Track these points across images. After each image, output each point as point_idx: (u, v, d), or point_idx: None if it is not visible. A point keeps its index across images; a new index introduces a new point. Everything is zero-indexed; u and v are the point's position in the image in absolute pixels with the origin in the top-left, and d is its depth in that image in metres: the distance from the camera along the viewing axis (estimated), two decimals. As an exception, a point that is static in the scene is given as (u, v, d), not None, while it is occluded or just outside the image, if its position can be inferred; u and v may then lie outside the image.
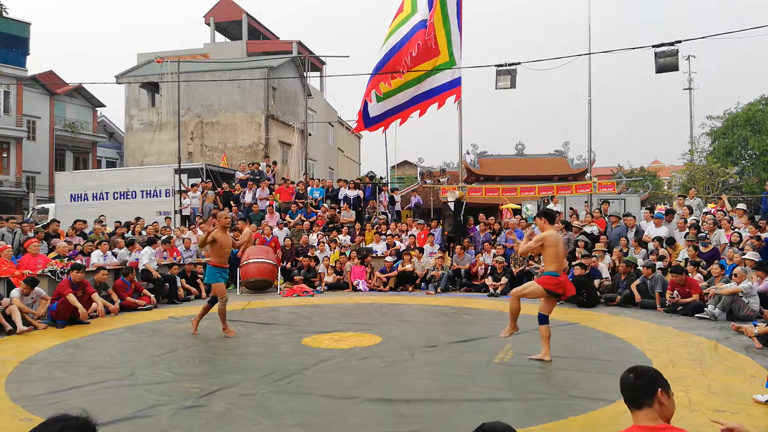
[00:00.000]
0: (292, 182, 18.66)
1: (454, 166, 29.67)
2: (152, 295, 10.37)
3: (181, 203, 16.35)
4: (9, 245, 10.25)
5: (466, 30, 15.71)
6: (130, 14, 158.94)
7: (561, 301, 10.22)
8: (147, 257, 11.02)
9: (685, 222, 11.78)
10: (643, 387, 2.15)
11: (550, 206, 15.68)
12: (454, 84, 14.87)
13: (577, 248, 11.56)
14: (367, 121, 15.20)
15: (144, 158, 27.15)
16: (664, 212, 13.17)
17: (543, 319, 5.95)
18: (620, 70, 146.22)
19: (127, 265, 10.64)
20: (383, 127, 15.65)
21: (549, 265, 5.90)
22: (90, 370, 5.73)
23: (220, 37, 34.60)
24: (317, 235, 14.43)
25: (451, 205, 13.80)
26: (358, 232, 14.85)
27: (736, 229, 10.83)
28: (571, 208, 15.35)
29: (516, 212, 18.11)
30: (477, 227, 14.03)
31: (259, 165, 19.10)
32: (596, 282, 10.19)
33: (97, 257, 10.72)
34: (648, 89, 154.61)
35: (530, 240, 6.10)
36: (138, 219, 14.27)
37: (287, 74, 28.81)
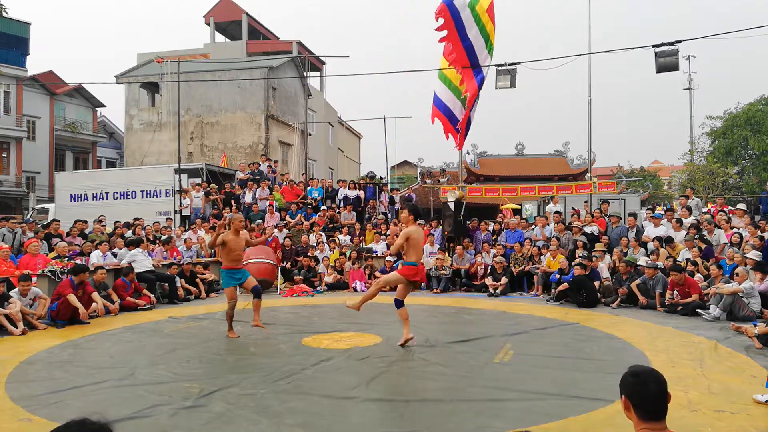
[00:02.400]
0: (294, 182, 18.65)
1: (454, 166, 29.69)
2: (152, 295, 10.37)
3: (181, 203, 16.34)
4: (8, 245, 10.26)
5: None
6: (130, 14, 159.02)
7: (553, 300, 10.37)
8: (129, 258, 10.89)
9: (680, 223, 11.77)
10: (665, 396, 2.07)
11: (550, 205, 15.70)
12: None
13: (576, 248, 11.57)
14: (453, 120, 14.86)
15: (144, 158, 27.15)
16: (663, 212, 13.18)
17: (399, 304, 6.67)
18: (620, 70, 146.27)
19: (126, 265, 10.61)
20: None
21: (409, 257, 6.61)
22: (90, 370, 5.72)
23: (220, 37, 34.61)
24: (317, 236, 14.43)
25: (451, 205, 13.80)
26: (358, 232, 14.85)
27: (736, 230, 10.83)
28: (573, 208, 15.36)
29: (516, 212, 18.11)
30: (478, 227, 14.01)
31: (260, 165, 19.07)
32: (596, 282, 10.18)
33: (96, 257, 10.72)
34: (648, 89, 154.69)
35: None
36: (136, 219, 14.26)
37: (287, 74, 28.81)
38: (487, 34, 13.82)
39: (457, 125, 14.67)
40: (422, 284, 7.07)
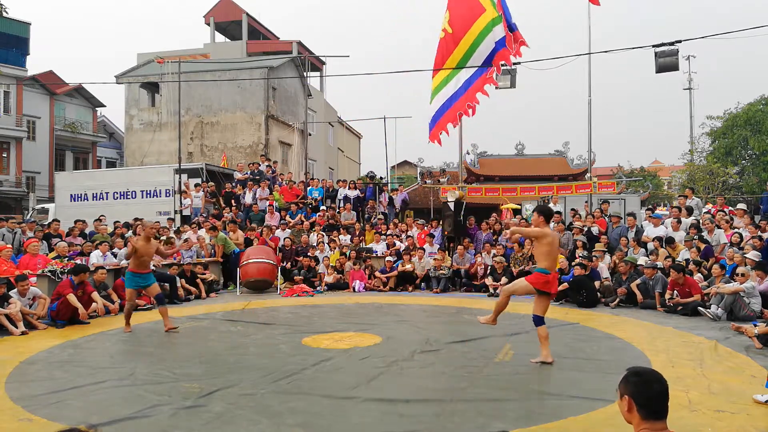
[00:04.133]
0: (293, 182, 18.64)
1: (454, 166, 29.66)
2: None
3: (181, 203, 16.34)
4: (9, 245, 10.26)
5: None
6: (130, 14, 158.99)
7: (553, 300, 10.33)
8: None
9: (679, 222, 11.78)
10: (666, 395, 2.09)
11: (550, 205, 15.70)
12: (500, 45, 13.19)
13: (576, 248, 11.57)
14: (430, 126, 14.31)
15: (144, 158, 27.15)
16: (668, 210, 13.17)
17: (538, 321, 5.81)
18: (620, 70, 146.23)
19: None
20: (444, 130, 14.22)
21: (541, 262, 5.81)
22: (90, 370, 5.73)
23: (220, 37, 34.61)
24: (317, 236, 14.43)
25: (451, 205, 13.80)
26: (358, 232, 14.85)
27: (737, 230, 10.84)
28: (572, 209, 15.36)
29: (516, 212, 18.11)
30: (479, 228, 13.99)
31: (260, 165, 19.07)
32: (596, 282, 10.18)
33: (96, 257, 10.71)
34: (648, 89, 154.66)
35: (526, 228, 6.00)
36: (136, 219, 14.26)
37: (287, 74, 28.81)
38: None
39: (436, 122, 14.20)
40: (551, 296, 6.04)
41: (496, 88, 14.48)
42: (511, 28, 13.47)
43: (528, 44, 13.66)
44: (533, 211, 6.15)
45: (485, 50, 13.47)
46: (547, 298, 5.90)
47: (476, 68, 13.69)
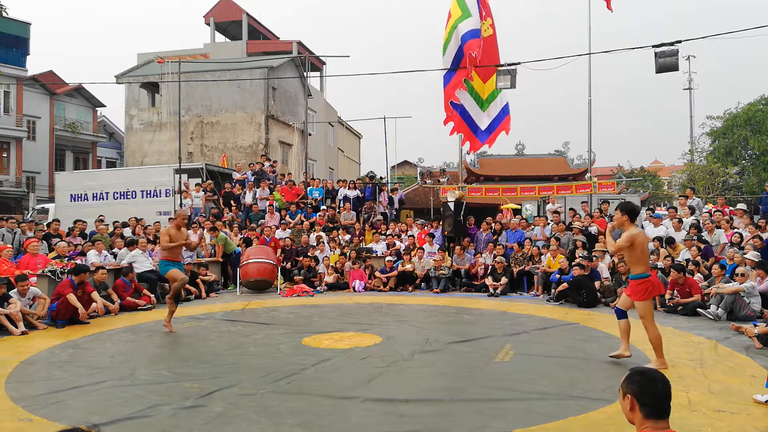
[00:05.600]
0: (293, 182, 18.63)
1: (454, 166, 29.68)
2: (152, 295, 10.37)
3: (181, 203, 16.33)
4: (9, 245, 10.25)
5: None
6: (130, 14, 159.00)
7: (554, 301, 10.32)
8: (130, 258, 10.86)
9: (680, 222, 11.78)
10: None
11: (549, 205, 15.70)
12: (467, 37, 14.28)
13: (576, 248, 11.57)
14: (481, 135, 14.98)
15: (144, 158, 27.16)
16: (666, 210, 13.17)
17: (621, 314, 5.80)
18: (620, 70, 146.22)
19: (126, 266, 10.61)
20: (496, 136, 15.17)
21: (636, 267, 5.54)
22: (90, 370, 5.72)
23: (220, 37, 34.59)
24: (318, 236, 14.42)
25: (451, 205, 13.80)
26: (358, 232, 14.85)
27: (737, 230, 10.84)
28: (571, 209, 15.36)
29: (516, 212, 18.11)
30: (480, 228, 13.99)
31: (262, 165, 19.05)
32: (596, 282, 10.18)
33: (93, 256, 10.66)
34: (648, 89, 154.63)
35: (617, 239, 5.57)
36: (133, 219, 14.26)
37: (287, 74, 28.81)
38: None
39: (478, 134, 14.96)
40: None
41: (496, 88, 14.49)
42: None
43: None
44: (616, 209, 5.69)
45: (453, 51, 14.44)
46: (652, 302, 5.68)
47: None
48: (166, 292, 10.94)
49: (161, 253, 8.08)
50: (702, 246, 10.50)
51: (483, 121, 14.97)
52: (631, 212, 5.54)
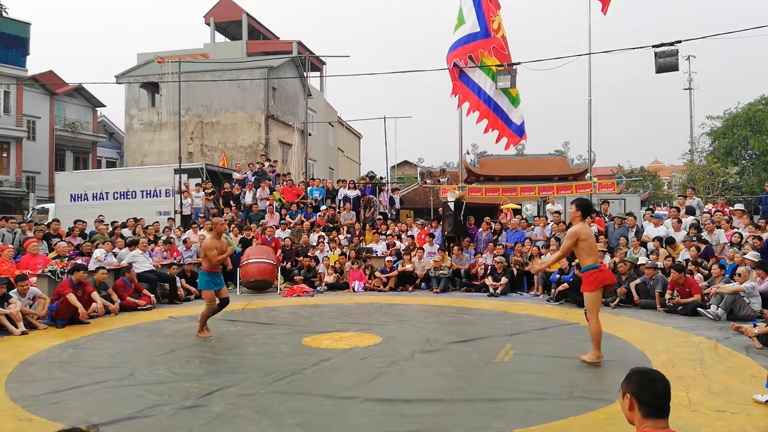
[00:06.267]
0: (293, 182, 18.62)
1: (454, 166, 29.69)
2: (152, 295, 10.37)
3: (181, 203, 16.34)
4: (10, 245, 10.25)
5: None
6: (130, 14, 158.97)
7: (554, 301, 10.32)
8: (130, 258, 10.86)
9: (679, 222, 11.77)
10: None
11: (549, 205, 15.70)
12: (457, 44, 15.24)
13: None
14: (517, 130, 15.35)
15: (144, 158, 27.16)
16: (667, 211, 13.17)
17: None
18: (620, 70, 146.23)
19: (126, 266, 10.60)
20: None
21: (586, 259, 5.66)
22: (90, 370, 5.72)
23: (220, 37, 34.58)
24: (319, 236, 14.42)
25: (451, 205, 13.80)
26: (357, 232, 14.85)
27: (736, 230, 10.84)
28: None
29: (516, 212, 18.10)
30: (480, 228, 13.98)
31: (263, 165, 19.05)
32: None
33: (100, 254, 10.66)
34: (648, 89, 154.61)
35: (557, 248, 5.73)
36: (131, 219, 14.25)
37: (287, 74, 28.81)
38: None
39: (512, 126, 15.25)
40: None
41: (497, 88, 14.51)
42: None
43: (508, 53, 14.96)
44: (572, 203, 5.85)
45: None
46: (600, 292, 5.77)
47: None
48: (166, 292, 10.99)
49: (204, 264, 7.48)
50: (702, 246, 10.49)
51: (516, 116, 15.30)
52: (584, 208, 5.80)
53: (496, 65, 14.55)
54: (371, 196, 16.70)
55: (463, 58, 14.96)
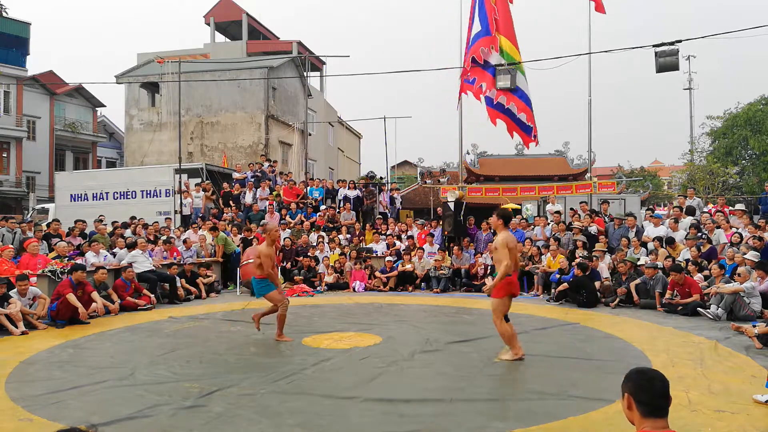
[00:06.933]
0: (294, 182, 18.62)
1: (454, 166, 29.68)
2: (152, 295, 10.36)
3: (181, 203, 16.34)
4: (10, 245, 10.25)
5: (465, 31, 15.71)
6: (130, 14, 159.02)
7: (551, 299, 10.32)
8: (130, 259, 10.85)
9: (676, 222, 11.77)
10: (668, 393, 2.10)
11: (549, 205, 15.70)
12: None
13: (576, 248, 11.56)
14: (527, 129, 15.70)
15: (144, 158, 27.15)
16: (668, 211, 13.16)
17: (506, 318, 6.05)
18: (620, 70, 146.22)
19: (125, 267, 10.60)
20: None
21: (500, 266, 5.88)
22: (90, 370, 5.73)
23: (220, 37, 34.58)
24: (319, 237, 14.41)
25: (451, 205, 13.80)
26: (357, 232, 14.85)
27: (736, 230, 10.83)
28: (571, 209, 15.34)
29: (516, 212, 18.08)
30: (480, 228, 13.98)
31: (262, 165, 19.05)
32: (596, 283, 10.18)
33: (92, 258, 10.64)
34: (648, 89, 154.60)
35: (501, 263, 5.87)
36: (132, 218, 14.24)
37: (287, 74, 28.81)
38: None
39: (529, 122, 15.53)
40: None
41: (497, 88, 14.50)
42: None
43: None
44: (494, 213, 6.23)
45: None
46: (506, 300, 6.01)
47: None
48: (166, 292, 10.98)
49: (257, 272, 7.22)
50: (707, 247, 10.48)
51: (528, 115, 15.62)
52: (506, 218, 6.18)
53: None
54: (373, 188, 16.79)
55: (476, 54, 15.17)
